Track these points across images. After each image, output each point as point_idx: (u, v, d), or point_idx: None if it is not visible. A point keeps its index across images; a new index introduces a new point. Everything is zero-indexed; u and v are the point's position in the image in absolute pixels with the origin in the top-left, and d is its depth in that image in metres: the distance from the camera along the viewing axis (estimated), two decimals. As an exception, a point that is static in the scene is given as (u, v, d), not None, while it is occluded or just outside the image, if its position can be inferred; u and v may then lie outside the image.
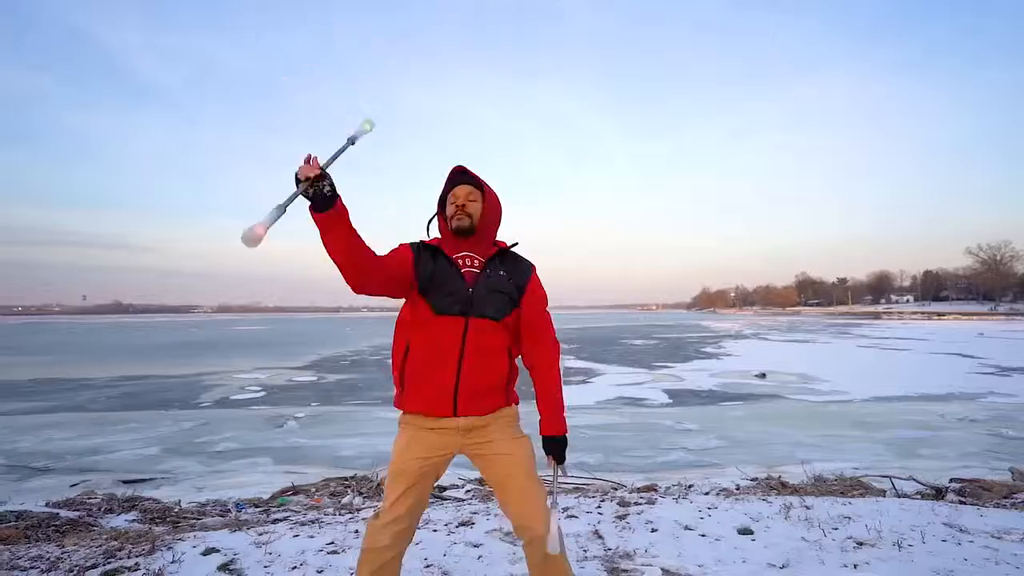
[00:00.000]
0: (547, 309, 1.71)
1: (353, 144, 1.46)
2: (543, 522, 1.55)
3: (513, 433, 1.66)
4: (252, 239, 1.20)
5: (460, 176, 1.66)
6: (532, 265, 1.70)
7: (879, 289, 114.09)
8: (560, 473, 1.65)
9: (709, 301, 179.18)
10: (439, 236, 1.71)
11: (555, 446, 1.62)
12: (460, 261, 1.61)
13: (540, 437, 1.65)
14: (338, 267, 1.41)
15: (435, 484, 1.71)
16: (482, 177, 1.67)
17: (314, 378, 16.23)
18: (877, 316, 75.81)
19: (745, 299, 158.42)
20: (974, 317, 62.20)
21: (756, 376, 15.05)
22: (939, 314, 69.10)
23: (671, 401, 11.36)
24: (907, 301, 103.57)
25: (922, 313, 73.11)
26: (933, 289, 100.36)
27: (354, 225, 1.39)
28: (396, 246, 1.63)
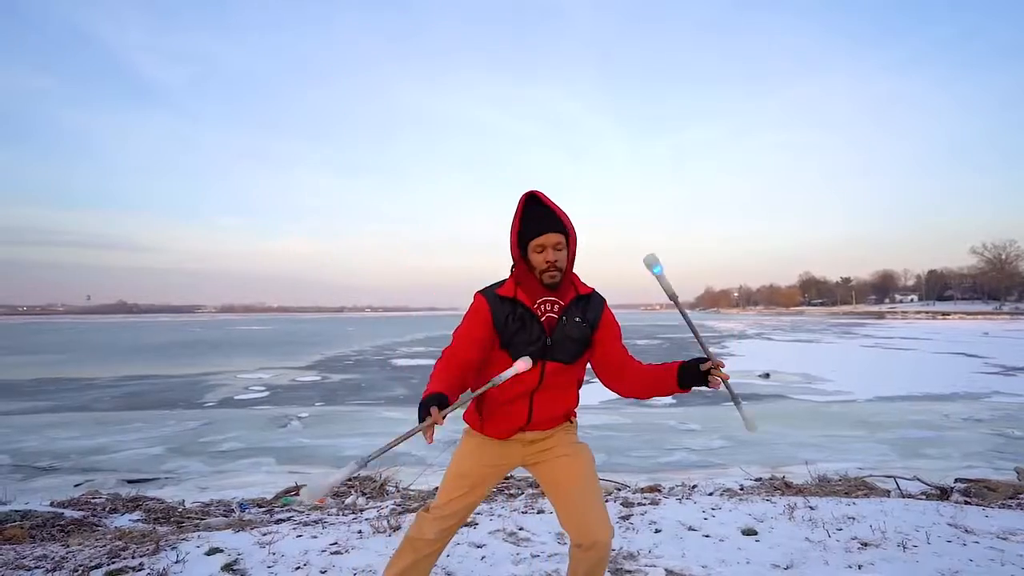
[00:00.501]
0: (621, 340, 1.69)
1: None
2: (604, 529, 1.55)
3: (574, 440, 1.73)
4: (314, 496, 1.19)
5: (546, 218, 1.56)
6: (603, 300, 1.70)
7: (883, 289, 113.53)
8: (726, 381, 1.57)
9: (713, 301, 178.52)
10: (514, 274, 1.63)
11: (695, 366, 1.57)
12: (540, 308, 1.60)
13: (680, 372, 1.61)
14: None
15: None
16: (559, 205, 1.57)
17: (317, 378, 16.28)
18: (881, 316, 75.55)
19: (749, 299, 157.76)
20: (979, 316, 61.93)
21: (760, 376, 15.02)
22: (943, 314, 68.83)
23: (674, 401, 11.33)
24: (911, 300, 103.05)
25: (926, 312, 72.82)
26: (937, 288, 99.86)
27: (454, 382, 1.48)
28: (472, 304, 1.61)
